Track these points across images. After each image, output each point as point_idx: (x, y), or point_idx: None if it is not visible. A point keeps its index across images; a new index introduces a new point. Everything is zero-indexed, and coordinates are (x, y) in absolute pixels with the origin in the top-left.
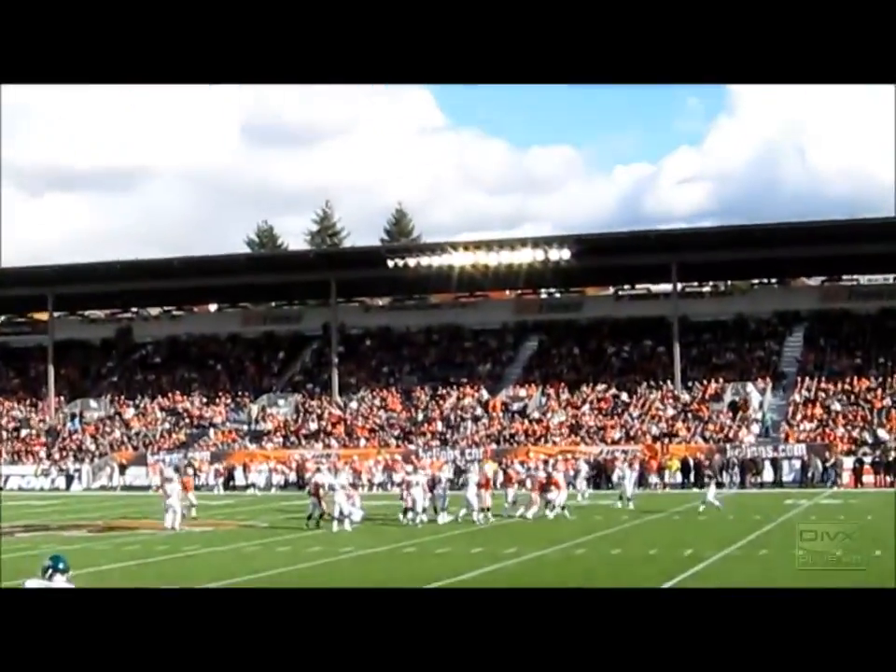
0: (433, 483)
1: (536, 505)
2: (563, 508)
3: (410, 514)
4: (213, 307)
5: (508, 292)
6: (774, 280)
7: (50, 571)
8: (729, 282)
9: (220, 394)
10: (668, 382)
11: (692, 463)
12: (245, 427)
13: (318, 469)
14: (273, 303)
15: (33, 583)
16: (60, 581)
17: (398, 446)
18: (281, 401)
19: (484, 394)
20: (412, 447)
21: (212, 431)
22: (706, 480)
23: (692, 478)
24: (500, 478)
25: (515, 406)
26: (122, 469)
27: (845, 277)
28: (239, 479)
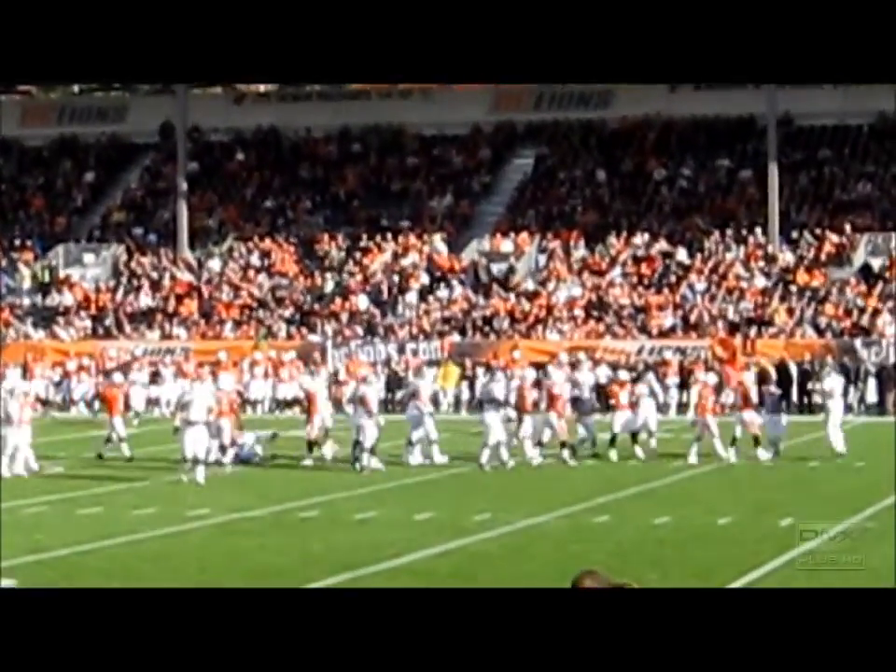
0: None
1: (715, 436)
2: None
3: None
4: None
5: None
6: None
7: None
8: None
9: None
10: (758, 230)
11: (794, 370)
12: (25, 302)
13: (156, 375)
14: (77, 87)
15: None
16: None
17: (290, 337)
18: (88, 257)
19: (441, 248)
20: (314, 338)
21: None
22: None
23: (793, 393)
24: (480, 390)
25: (494, 269)
26: None
27: None
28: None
